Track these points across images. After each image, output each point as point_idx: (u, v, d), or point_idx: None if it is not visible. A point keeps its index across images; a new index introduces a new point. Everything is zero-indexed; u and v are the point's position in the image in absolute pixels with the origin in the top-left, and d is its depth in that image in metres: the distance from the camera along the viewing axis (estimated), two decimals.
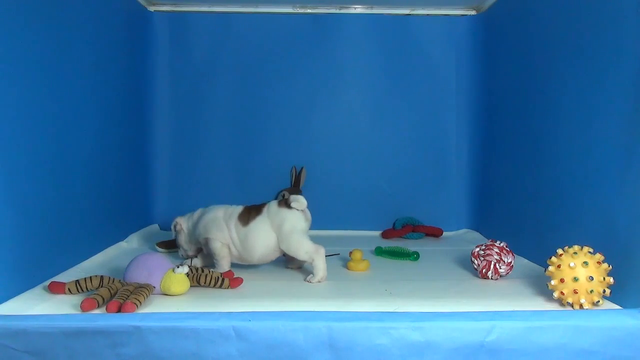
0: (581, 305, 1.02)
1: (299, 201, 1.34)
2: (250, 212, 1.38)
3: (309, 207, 1.37)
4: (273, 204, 1.37)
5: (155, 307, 1.05)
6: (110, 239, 1.62)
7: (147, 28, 1.97)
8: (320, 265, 1.29)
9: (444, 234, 1.97)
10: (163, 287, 1.12)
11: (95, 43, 1.49)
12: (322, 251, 1.31)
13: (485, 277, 1.30)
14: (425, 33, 2.04)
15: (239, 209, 1.41)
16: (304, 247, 1.31)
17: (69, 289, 1.11)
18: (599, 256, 1.04)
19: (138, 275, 1.13)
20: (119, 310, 0.97)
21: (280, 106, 2.04)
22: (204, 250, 1.44)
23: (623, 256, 1.04)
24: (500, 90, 1.80)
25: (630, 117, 1.07)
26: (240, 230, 1.36)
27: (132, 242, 1.72)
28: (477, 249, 1.33)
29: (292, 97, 2.04)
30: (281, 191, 1.99)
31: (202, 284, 1.18)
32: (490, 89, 1.90)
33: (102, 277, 1.13)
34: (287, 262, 1.44)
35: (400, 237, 1.93)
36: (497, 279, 1.30)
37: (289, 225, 1.33)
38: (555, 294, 1.05)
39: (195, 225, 1.44)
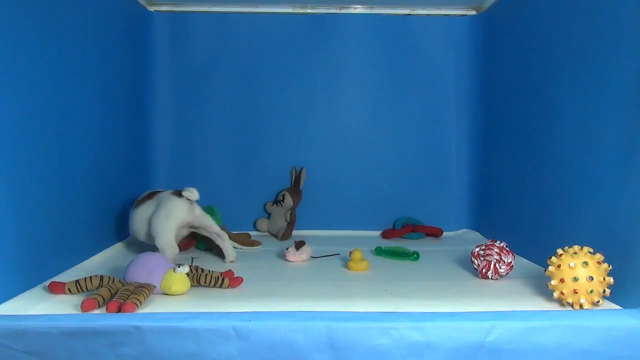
0: (581, 305, 1.02)
1: (191, 191, 1.40)
2: (146, 197, 1.48)
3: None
4: (167, 192, 1.44)
5: (155, 307, 1.05)
6: (110, 239, 1.62)
7: (147, 28, 1.97)
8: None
9: (444, 234, 1.97)
10: (163, 287, 1.12)
11: (95, 43, 1.49)
12: (171, 252, 1.37)
13: (485, 277, 1.30)
14: (425, 33, 2.03)
15: (145, 193, 1.52)
16: (164, 237, 1.36)
17: (69, 289, 1.11)
18: (599, 256, 1.04)
19: (138, 275, 1.13)
20: (119, 310, 0.97)
21: (280, 106, 2.04)
22: None
23: (623, 256, 1.04)
24: (501, 90, 1.80)
25: (630, 116, 1.07)
26: (131, 212, 1.49)
27: (132, 242, 1.72)
28: (477, 249, 1.33)
29: (292, 97, 2.04)
30: (281, 191, 1.99)
31: (202, 283, 1.18)
32: (490, 89, 1.90)
33: (102, 277, 1.13)
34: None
35: (400, 237, 1.92)
36: (497, 279, 1.30)
37: (166, 210, 1.37)
38: (555, 294, 1.05)
39: None
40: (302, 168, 2.01)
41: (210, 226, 1.46)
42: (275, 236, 1.94)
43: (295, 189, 1.99)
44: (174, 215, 1.37)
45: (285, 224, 1.92)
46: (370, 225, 2.02)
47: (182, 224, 1.40)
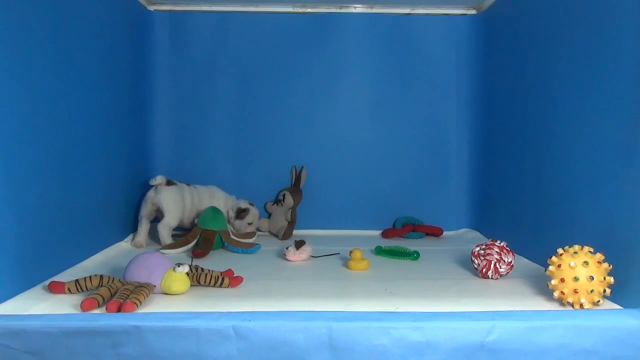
0: (581, 305, 1.02)
1: (155, 178, 1.72)
2: None
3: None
4: None
5: (155, 306, 1.05)
6: (110, 239, 1.62)
7: (147, 28, 1.97)
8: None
9: (444, 233, 1.97)
10: (163, 287, 1.12)
11: (96, 42, 1.49)
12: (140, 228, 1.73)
13: (485, 276, 1.30)
14: (425, 33, 2.03)
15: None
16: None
17: (68, 289, 1.11)
18: (599, 256, 1.04)
19: (138, 275, 1.13)
20: (118, 310, 0.97)
21: (280, 106, 2.04)
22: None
23: (623, 256, 1.04)
24: (501, 90, 1.80)
25: (630, 116, 1.07)
26: None
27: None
28: (478, 249, 1.33)
29: (292, 97, 2.04)
30: (282, 191, 1.99)
31: (202, 283, 1.18)
32: (490, 88, 1.90)
33: (102, 276, 1.13)
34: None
35: (401, 236, 1.92)
36: (497, 278, 1.30)
37: None
38: (556, 294, 1.05)
39: None
40: (302, 167, 2.01)
41: (163, 211, 1.71)
42: (276, 236, 1.93)
43: (295, 188, 1.99)
44: (145, 198, 1.75)
45: (286, 223, 1.92)
46: (371, 224, 2.02)
47: (147, 203, 1.74)
